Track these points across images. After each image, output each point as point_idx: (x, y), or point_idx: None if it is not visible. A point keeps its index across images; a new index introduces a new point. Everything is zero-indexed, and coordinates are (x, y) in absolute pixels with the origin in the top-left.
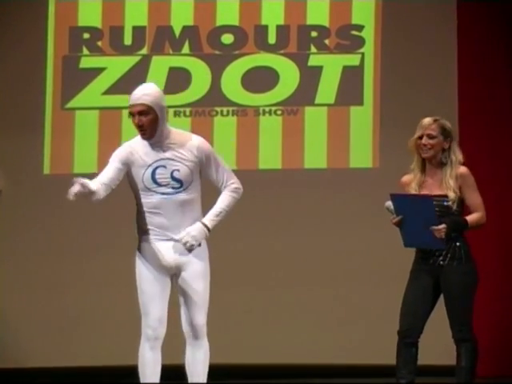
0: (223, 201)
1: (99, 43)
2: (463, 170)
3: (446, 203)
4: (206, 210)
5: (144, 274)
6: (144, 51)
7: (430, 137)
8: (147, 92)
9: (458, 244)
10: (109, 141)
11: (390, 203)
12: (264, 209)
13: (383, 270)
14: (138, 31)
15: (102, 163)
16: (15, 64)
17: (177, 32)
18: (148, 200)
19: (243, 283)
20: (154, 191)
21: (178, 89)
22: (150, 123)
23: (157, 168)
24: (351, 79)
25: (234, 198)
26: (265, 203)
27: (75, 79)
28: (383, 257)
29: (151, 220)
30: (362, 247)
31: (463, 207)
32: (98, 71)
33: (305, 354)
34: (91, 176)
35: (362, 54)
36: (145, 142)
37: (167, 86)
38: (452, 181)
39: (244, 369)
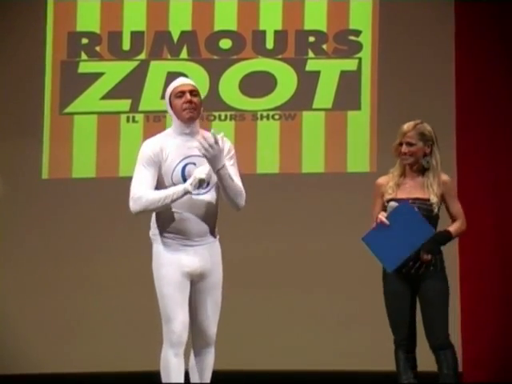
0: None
1: (97, 48)
2: (446, 178)
3: (428, 207)
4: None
5: (168, 278)
6: (142, 56)
7: (409, 144)
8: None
9: None
10: (107, 145)
11: (393, 204)
12: (262, 213)
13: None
14: (137, 36)
15: (101, 168)
16: (14, 69)
17: (175, 37)
18: None
19: (240, 287)
20: None
21: None
22: (199, 104)
23: (186, 165)
24: (349, 84)
25: (241, 192)
26: (263, 207)
27: (74, 84)
28: None
29: (175, 221)
30: (359, 251)
31: (441, 211)
32: (97, 76)
33: (306, 360)
34: (90, 181)
35: (360, 58)
36: (174, 137)
37: (165, 90)
38: (435, 186)
39: (242, 376)
